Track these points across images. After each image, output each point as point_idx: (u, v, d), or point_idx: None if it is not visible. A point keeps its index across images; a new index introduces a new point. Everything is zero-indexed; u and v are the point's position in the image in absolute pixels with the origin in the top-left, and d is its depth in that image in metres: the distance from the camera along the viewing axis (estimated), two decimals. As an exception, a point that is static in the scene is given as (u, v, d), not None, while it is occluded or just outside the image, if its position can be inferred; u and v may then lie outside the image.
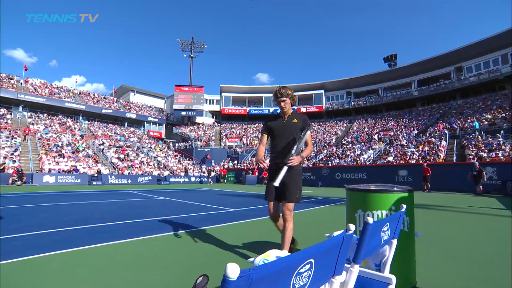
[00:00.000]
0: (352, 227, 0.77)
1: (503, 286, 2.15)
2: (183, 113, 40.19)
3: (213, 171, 26.98)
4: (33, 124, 25.73)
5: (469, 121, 21.84)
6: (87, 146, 25.22)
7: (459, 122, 22.47)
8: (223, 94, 43.14)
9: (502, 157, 13.95)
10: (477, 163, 12.29)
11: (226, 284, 0.40)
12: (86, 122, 31.97)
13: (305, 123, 2.57)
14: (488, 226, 4.86)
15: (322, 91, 40.47)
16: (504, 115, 20.27)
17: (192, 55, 43.03)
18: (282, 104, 2.59)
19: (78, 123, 30.62)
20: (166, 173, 24.27)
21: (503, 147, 14.96)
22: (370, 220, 0.92)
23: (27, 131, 22.84)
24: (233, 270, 0.40)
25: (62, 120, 29.46)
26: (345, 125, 35.35)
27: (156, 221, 4.85)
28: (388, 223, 1.24)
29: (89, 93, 37.06)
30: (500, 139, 16.05)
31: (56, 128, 26.98)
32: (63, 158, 20.84)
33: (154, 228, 4.21)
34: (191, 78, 42.71)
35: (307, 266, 0.59)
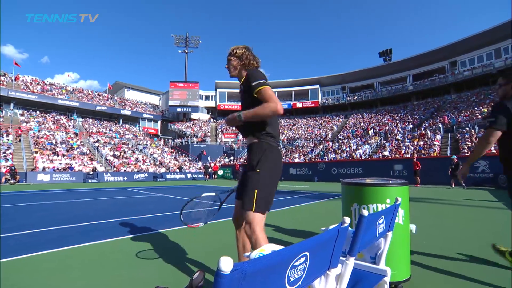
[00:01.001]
0: (347, 220, 0.77)
1: (500, 278, 2.19)
2: (179, 109, 39.88)
3: (209, 167, 26.92)
4: (26, 122, 25.30)
5: (462, 115, 22.08)
6: (82, 143, 24.92)
7: (453, 116, 22.71)
8: (218, 90, 42.86)
9: (494, 151, 14.14)
10: (454, 156, 12.36)
11: (219, 277, 0.40)
12: (80, 119, 31.54)
13: (248, 83, 1.67)
14: (481, 218, 4.95)
15: (317, 86, 40.44)
16: (497, 109, 20.53)
17: (186, 51, 42.55)
18: (226, 66, 1.88)
19: (72, 121, 30.20)
20: (162, 170, 24.16)
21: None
22: (365, 212, 0.92)
23: (19, 132, 22.46)
24: (226, 264, 0.40)
25: (56, 118, 29.02)
26: (341, 120, 35.46)
27: (151, 218, 4.83)
28: (383, 216, 1.25)
29: (82, 90, 36.50)
30: (493, 133, 16.28)
31: (50, 125, 26.58)
32: (57, 156, 20.58)
33: (150, 225, 4.19)
34: (186, 74, 42.33)
35: (302, 259, 0.59)
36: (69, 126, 28.43)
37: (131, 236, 3.51)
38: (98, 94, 37.45)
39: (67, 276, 2.20)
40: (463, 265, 2.46)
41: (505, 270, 2.31)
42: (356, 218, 2.10)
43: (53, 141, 23.02)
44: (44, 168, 18.19)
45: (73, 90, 34.84)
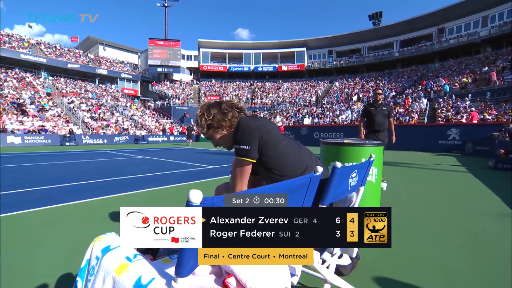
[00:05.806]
0: (320, 169, 0.81)
1: (454, 227, 2.47)
2: (159, 69, 37.66)
3: (192, 130, 26.62)
4: (-13, 78, 23.02)
5: (443, 84, 22.62)
6: (55, 104, 23.39)
7: (434, 85, 23.22)
8: (201, 50, 40.45)
9: (464, 120, 14.88)
10: None
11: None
12: (51, 78, 29.11)
13: None
14: (445, 180, 5.40)
15: (304, 48, 39.13)
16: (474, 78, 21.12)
17: (166, 4, 38.78)
18: None
19: (41, 79, 27.82)
20: (144, 132, 23.60)
21: (468, 110, 15.89)
22: (338, 164, 0.96)
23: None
24: (195, 196, 0.40)
25: (20, 75, 26.55)
26: (325, 85, 35.29)
27: (135, 179, 4.84)
28: (356, 170, 1.32)
29: (49, 45, 33.07)
30: (467, 103, 16.97)
31: (14, 84, 24.40)
32: (27, 117, 19.34)
33: (134, 185, 4.22)
34: (166, 30, 39.13)
35: (274, 201, 0.62)
36: (38, 85, 26.27)
37: (117, 195, 3.53)
38: (69, 50, 34.19)
39: (56, 230, 2.22)
40: (425, 219, 2.74)
41: (451, 217, 2.61)
42: (332, 176, 2.21)
43: (21, 101, 21.38)
44: (13, 130, 17.17)
45: (37, 43, 31.45)
